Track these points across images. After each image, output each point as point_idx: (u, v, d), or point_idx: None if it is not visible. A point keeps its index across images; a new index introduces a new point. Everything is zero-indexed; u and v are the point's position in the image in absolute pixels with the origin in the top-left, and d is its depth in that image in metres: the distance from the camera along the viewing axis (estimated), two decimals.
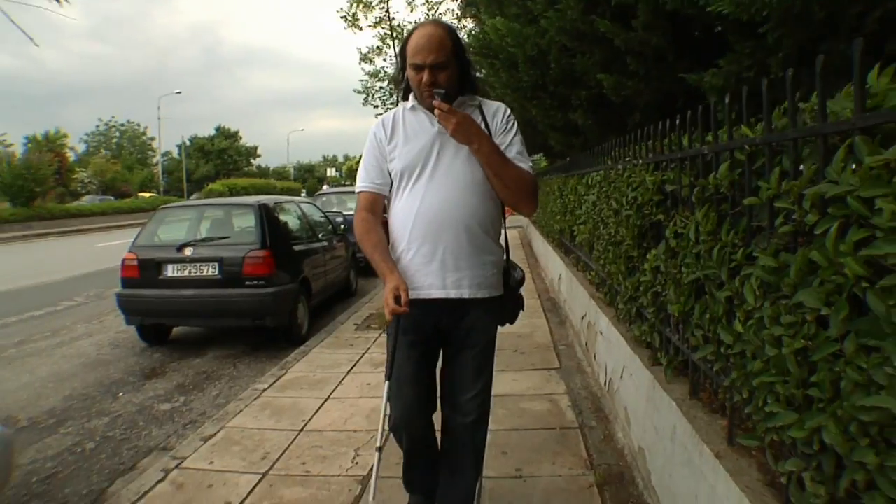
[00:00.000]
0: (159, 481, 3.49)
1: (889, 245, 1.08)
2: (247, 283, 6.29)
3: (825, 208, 1.36)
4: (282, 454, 3.76)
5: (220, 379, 5.87)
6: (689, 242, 2.37)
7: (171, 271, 6.47)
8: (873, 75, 1.36)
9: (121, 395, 5.50)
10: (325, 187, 49.11)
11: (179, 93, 57.69)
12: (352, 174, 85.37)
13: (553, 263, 8.61)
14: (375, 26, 27.21)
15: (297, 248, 7.30)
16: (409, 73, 2.30)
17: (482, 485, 2.91)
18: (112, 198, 46.43)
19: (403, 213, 2.36)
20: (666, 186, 2.85)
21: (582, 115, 6.58)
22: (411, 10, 22.59)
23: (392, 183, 2.42)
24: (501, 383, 4.79)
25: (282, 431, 4.11)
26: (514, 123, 2.42)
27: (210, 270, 6.37)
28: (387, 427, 2.41)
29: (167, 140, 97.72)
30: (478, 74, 8.84)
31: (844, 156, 1.31)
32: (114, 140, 75.35)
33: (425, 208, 2.30)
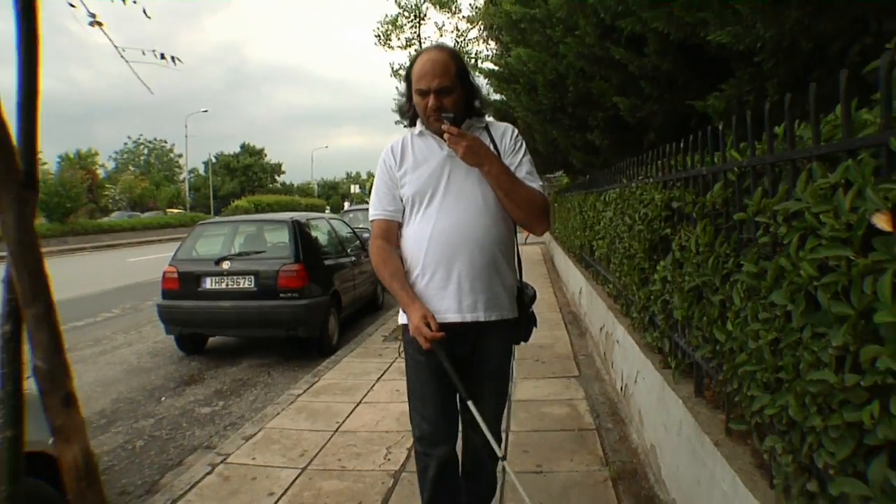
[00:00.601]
0: (207, 474, 3.80)
1: (828, 250, 1.36)
2: (281, 295, 6.63)
3: (791, 222, 1.64)
4: (318, 451, 4.05)
5: (255, 386, 6.20)
6: (690, 254, 2.64)
7: (209, 283, 6.84)
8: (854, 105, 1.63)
9: (163, 399, 5.85)
10: (346, 205, 49.67)
11: (206, 111, 59.14)
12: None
13: (574, 278, 8.86)
14: (406, 47, 27.71)
15: (327, 262, 7.64)
16: (415, 98, 2.31)
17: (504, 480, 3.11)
18: (140, 214, 47.47)
19: (416, 238, 2.35)
20: (673, 203, 3.12)
21: (599, 135, 6.87)
22: (440, 35, 22.94)
23: (404, 209, 2.41)
24: (524, 390, 5.06)
25: (318, 432, 4.41)
26: (522, 144, 2.42)
27: (246, 283, 6.73)
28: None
29: (193, 157, 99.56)
30: (498, 97, 9.24)
31: (806, 178, 1.59)
32: (142, 157, 77.09)
33: (438, 232, 2.30)
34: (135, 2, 2.23)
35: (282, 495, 3.48)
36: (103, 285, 14.62)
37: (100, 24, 1.76)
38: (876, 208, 1.20)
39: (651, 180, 3.63)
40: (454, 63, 2.29)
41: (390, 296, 10.02)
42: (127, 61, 1.93)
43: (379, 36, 26.95)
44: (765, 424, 1.89)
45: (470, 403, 2.23)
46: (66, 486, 1.59)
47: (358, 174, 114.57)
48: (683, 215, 2.95)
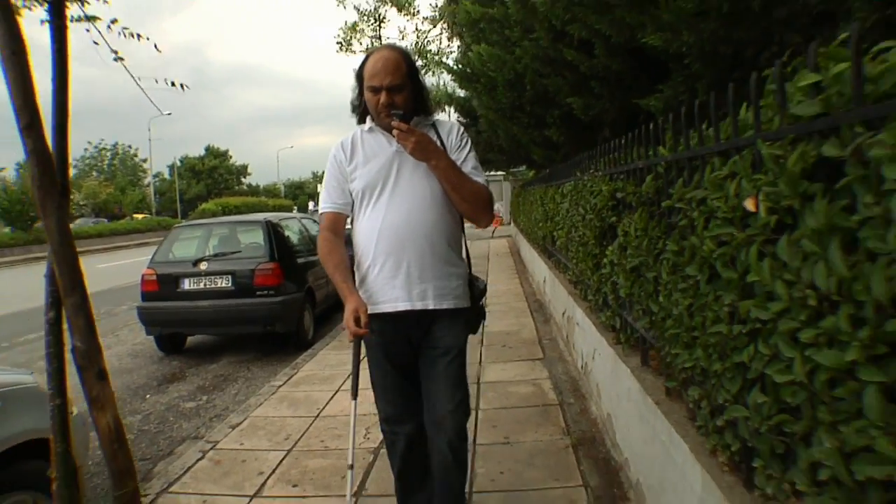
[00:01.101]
0: (199, 459, 4.07)
1: (720, 228, 1.71)
2: (258, 293, 6.89)
3: (699, 207, 1.99)
4: (302, 435, 4.34)
5: (236, 380, 6.45)
6: (630, 238, 3.00)
7: (187, 284, 7.06)
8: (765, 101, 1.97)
9: (148, 396, 6.07)
10: (311, 205, 49.51)
11: (169, 114, 58.16)
12: None
13: (538, 268, 9.24)
14: (367, 51, 27.65)
15: (300, 260, 7.90)
16: (367, 95, 2.38)
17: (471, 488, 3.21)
18: (105, 220, 46.85)
19: (367, 230, 2.43)
20: (617, 194, 3.48)
21: (556, 132, 7.25)
22: (402, 38, 23.06)
23: (353, 202, 2.49)
24: (491, 372, 5.41)
25: (300, 418, 4.69)
26: (468, 140, 2.52)
27: (224, 283, 6.97)
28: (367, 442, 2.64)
29: (157, 161, 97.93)
30: (462, 94, 9.59)
31: (710, 171, 1.94)
32: (105, 163, 75.87)
33: (388, 224, 2.37)
34: (106, 1, 2.43)
35: (271, 473, 3.76)
36: None
37: (121, 58, 2.02)
38: (747, 194, 1.55)
39: (599, 173, 3.99)
40: (405, 62, 2.38)
41: None
42: (142, 89, 2.17)
43: (341, 43, 26.99)
44: (688, 378, 2.25)
45: (352, 403, 2.43)
46: (102, 448, 1.87)
47: (324, 174, 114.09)
48: (626, 204, 3.31)
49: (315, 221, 10.09)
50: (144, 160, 69.06)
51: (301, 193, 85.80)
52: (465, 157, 2.45)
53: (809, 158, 1.31)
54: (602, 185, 3.77)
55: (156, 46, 2.09)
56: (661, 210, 2.61)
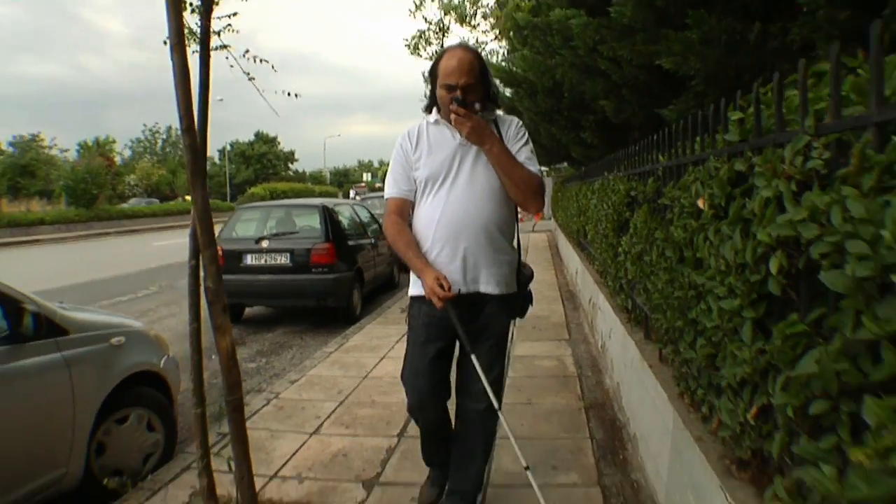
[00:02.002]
0: (264, 405, 4.78)
1: (685, 220, 2.30)
2: (313, 269, 7.63)
3: (678, 203, 2.58)
4: (352, 391, 5.03)
5: (291, 347, 7.20)
6: (637, 229, 3.58)
7: (250, 260, 7.84)
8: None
9: (213, 357, 6.82)
10: (352, 192, 50.44)
11: (221, 100, 59.93)
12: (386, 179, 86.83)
13: (572, 260, 9.80)
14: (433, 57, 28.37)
15: (351, 242, 8.61)
16: (440, 92, 2.50)
17: (490, 472, 3.33)
18: (157, 200, 48.67)
19: (427, 218, 2.56)
20: (631, 192, 4.05)
21: (590, 134, 7.80)
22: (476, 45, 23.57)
23: (416, 189, 2.63)
24: (521, 349, 6.02)
25: (350, 378, 5.38)
26: (524, 133, 2.64)
27: (283, 259, 7.72)
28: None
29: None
30: (507, 93, 10.25)
31: (689, 174, 2.52)
32: (158, 145, 78.42)
33: (448, 213, 2.51)
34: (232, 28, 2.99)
35: (326, 418, 4.45)
36: (136, 266, 15.66)
37: (252, 78, 2.67)
38: (699, 195, 2.14)
39: (620, 174, 4.56)
40: (478, 62, 2.50)
41: (405, 276, 11.11)
42: (266, 100, 2.83)
43: (409, 47, 27.82)
44: (667, 338, 2.84)
45: (473, 357, 2.47)
46: (221, 364, 2.56)
47: (370, 162, 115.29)
48: (637, 201, 3.88)
49: (366, 207, 10.82)
50: None
51: (346, 181, 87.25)
52: (519, 148, 2.57)
53: (733, 171, 1.90)
54: (620, 185, 4.35)
55: (273, 67, 2.71)
56: (658, 206, 3.19)
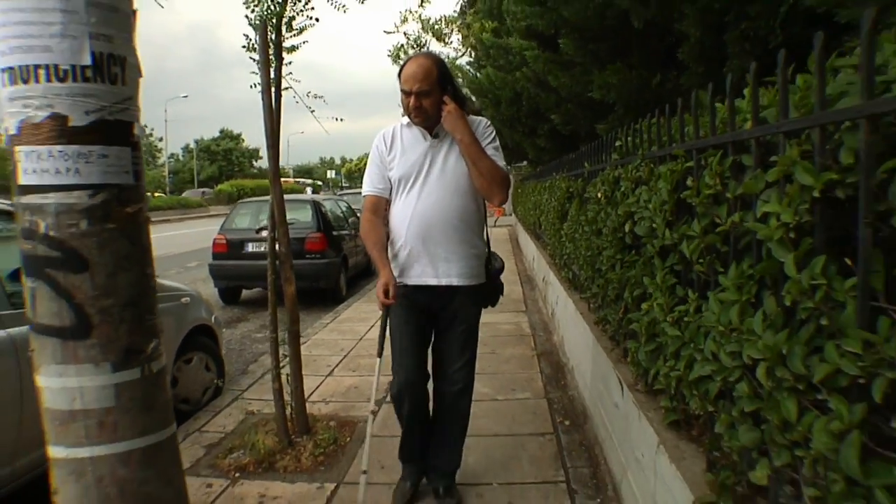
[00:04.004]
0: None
1: (592, 206, 3.62)
2: (307, 256, 8.82)
3: (594, 196, 3.89)
4: (352, 349, 6.26)
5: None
6: (571, 217, 4.90)
7: (250, 247, 8.99)
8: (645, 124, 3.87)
9: (224, 330, 7.99)
10: (308, 190, 51.24)
11: (186, 97, 60.22)
12: (350, 176, 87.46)
13: (529, 249, 11.16)
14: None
15: (336, 233, 9.81)
16: (401, 96, 2.65)
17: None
18: None
19: (401, 214, 2.71)
20: (570, 189, 5.38)
21: (544, 140, 9.16)
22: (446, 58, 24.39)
23: (391, 188, 2.77)
24: (485, 317, 7.09)
25: (348, 340, 6.62)
26: (492, 132, 2.76)
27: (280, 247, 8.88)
28: (385, 396, 3.18)
29: (170, 141, 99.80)
30: (474, 101, 11.45)
31: (599, 179, 3.84)
32: None
33: (419, 210, 2.66)
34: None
35: (335, 366, 5.70)
36: (163, 251, 16.53)
37: (313, 110, 3.89)
38: (597, 190, 3.45)
39: (563, 175, 5.90)
40: (436, 69, 2.61)
41: None
42: (319, 121, 4.02)
43: (391, 57, 28.97)
44: (587, 287, 4.16)
45: (378, 361, 2.81)
46: (287, 304, 3.78)
47: (332, 159, 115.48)
48: (573, 195, 5.21)
49: (346, 202, 12.02)
50: (160, 139, 70.92)
51: (309, 178, 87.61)
52: (487, 144, 2.69)
53: (614, 176, 3.21)
54: (563, 183, 5.68)
55: (324, 100, 3.93)
56: (584, 198, 4.52)
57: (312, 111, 3.84)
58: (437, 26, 18.07)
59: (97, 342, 1.31)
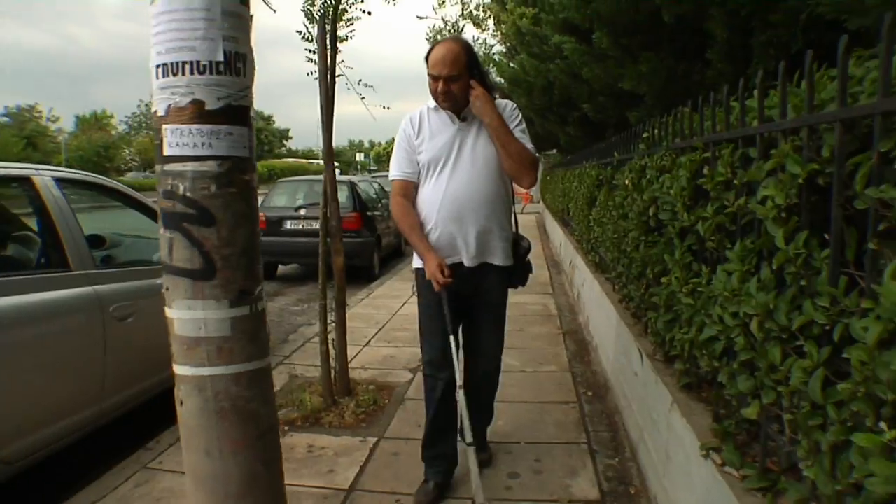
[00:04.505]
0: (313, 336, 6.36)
1: (620, 192, 3.90)
2: (343, 234, 9.17)
3: (621, 185, 4.17)
4: (387, 322, 6.63)
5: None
6: (601, 203, 5.18)
7: (289, 225, 9.40)
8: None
9: None
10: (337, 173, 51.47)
11: None
12: (378, 160, 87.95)
13: (556, 234, 11.43)
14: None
15: (370, 213, 10.17)
16: (429, 80, 2.66)
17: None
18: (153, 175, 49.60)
19: (431, 198, 2.72)
20: (599, 176, 5.65)
21: (574, 128, 9.39)
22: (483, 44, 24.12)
23: (419, 172, 2.76)
24: (512, 298, 7.41)
25: (383, 314, 6.99)
26: (518, 115, 2.78)
27: (317, 225, 9.26)
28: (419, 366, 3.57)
29: None
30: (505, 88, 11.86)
31: (628, 168, 4.11)
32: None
33: (450, 193, 2.68)
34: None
35: (372, 337, 6.06)
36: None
37: (363, 97, 4.22)
38: (625, 178, 3.74)
39: (592, 163, 6.16)
40: (465, 54, 2.62)
41: (410, 247, 12.80)
42: (368, 108, 4.39)
43: (428, 40, 29.04)
44: (613, 268, 4.44)
45: (452, 339, 2.66)
46: (335, 274, 4.12)
47: (361, 142, 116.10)
48: (602, 182, 5.48)
49: (380, 184, 12.38)
50: None
51: (339, 161, 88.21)
52: (514, 126, 2.71)
53: (641, 165, 3.48)
54: (592, 171, 5.95)
55: (373, 88, 4.26)
56: (612, 185, 4.79)
57: (363, 98, 4.16)
58: (475, 12, 18.29)
59: (219, 283, 1.64)
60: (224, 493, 1.75)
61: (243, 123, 1.66)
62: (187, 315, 1.66)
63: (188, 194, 1.60)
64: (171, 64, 1.56)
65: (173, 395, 1.76)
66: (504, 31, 15.63)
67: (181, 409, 1.74)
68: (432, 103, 2.77)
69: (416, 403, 4.08)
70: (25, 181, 3.36)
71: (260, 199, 10.57)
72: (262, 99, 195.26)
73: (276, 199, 9.98)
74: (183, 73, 1.56)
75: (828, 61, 1.64)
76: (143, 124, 78.11)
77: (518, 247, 2.95)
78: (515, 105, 2.83)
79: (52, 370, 3.11)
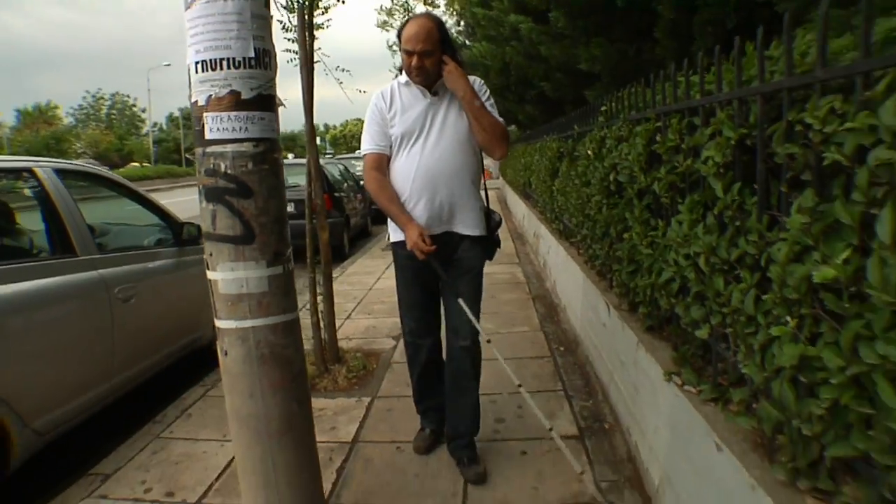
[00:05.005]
0: (303, 306, 6.64)
1: (582, 161, 4.27)
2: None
3: (578, 153, 4.54)
4: (364, 296, 6.93)
5: (300, 277, 9.01)
6: (563, 173, 5.55)
7: None
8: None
9: None
10: (290, 156, 50.96)
11: (169, 65, 59.68)
12: (335, 142, 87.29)
13: (519, 208, 11.82)
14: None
15: (337, 195, 10.40)
16: (402, 55, 2.72)
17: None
18: (107, 168, 48.68)
19: (405, 170, 2.78)
20: (560, 149, 6.02)
21: (532, 107, 9.75)
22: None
23: (392, 145, 2.81)
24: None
25: (359, 290, 7.29)
26: (487, 90, 2.86)
27: (289, 208, 9.48)
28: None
29: (153, 111, 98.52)
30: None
31: (588, 139, 4.48)
32: (103, 112, 76.76)
33: (423, 165, 2.73)
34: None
35: (352, 310, 6.37)
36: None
37: (341, 82, 4.48)
38: (587, 148, 4.10)
39: (553, 136, 6.53)
40: (437, 30, 2.67)
41: (376, 226, 13.00)
42: (345, 91, 4.61)
43: (378, 25, 28.68)
44: (576, 232, 4.82)
45: (461, 301, 2.74)
46: (321, 247, 4.41)
47: (317, 126, 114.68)
48: (563, 154, 5.86)
49: (344, 166, 12.57)
50: (143, 110, 70.33)
51: (294, 146, 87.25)
52: (484, 100, 2.78)
53: (600, 137, 3.84)
54: (554, 144, 6.32)
55: (349, 73, 4.52)
56: (574, 156, 5.15)
57: (341, 83, 4.42)
58: None
59: (257, 246, 1.94)
60: (266, 432, 2.06)
61: (271, 109, 1.96)
62: (231, 276, 1.96)
63: (229, 171, 1.89)
64: (210, 60, 1.85)
65: (168, 378, 2.04)
66: (457, 9, 15.87)
67: (225, 359, 2.04)
68: (403, 78, 2.84)
69: (402, 366, 4.38)
70: (28, 172, 3.56)
71: (173, 196, 10.70)
72: None
73: None
74: (221, 69, 1.85)
75: (771, 34, 1.97)
76: (91, 116, 76.12)
77: (489, 220, 2.99)
78: (483, 81, 2.91)
79: (72, 349, 3.35)
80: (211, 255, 1.99)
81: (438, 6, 17.20)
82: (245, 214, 1.92)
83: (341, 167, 12.06)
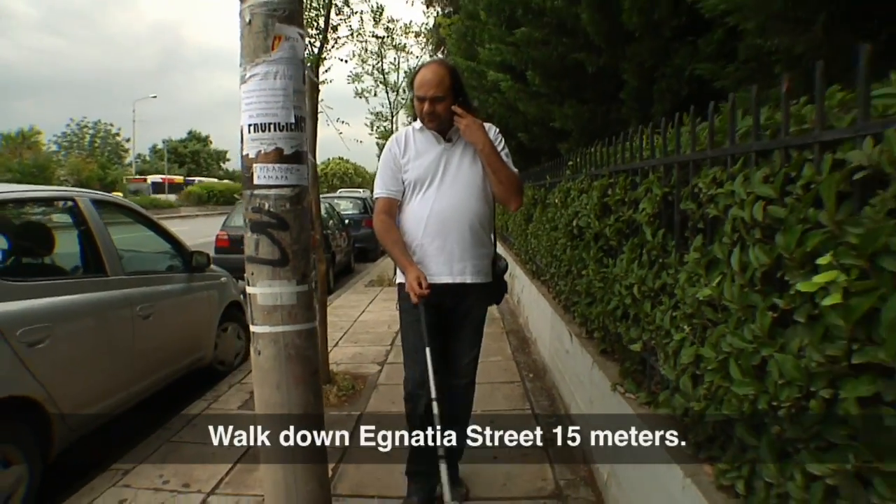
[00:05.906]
0: None
1: (551, 209, 4.87)
2: None
3: (548, 201, 5.15)
4: (350, 327, 7.42)
5: None
6: (537, 218, 6.16)
7: None
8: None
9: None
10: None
11: (155, 97, 60.34)
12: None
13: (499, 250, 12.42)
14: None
15: (326, 232, 10.94)
16: (415, 102, 2.76)
17: None
18: None
19: (417, 215, 2.80)
20: (535, 196, 6.64)
21: (511, 155, 10.44)
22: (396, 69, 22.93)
23: (404, 191, 2.83)
24: None
25: (345, 321, 7.77)
26: (502, 138, 2.89)
27: None
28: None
29: (136, 142, 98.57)
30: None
31: (557, 190, 5.09)
32: (86, 140, 76.60)
33: (436, 211, 2.75)
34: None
35: (339, 339, 6.85)
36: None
37: (341, 133, 5.04)
38: (555, 197, 4.70)
39: (528, 184, 7.18)
40: (449, 77, 2.71)
41: (358, 263, 13.54)
42: (337, 128, 5.20)
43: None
44: (545, 269, 5.41)
45: (428, 350, 2.65)
46: (318, 279, 4.93)
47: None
48: (536, 201, 6.47)
49: (331, 205, 13.13)
50: (128, 140, 70.58)
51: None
52: (500, 150, 2.79)
53: (567, 188, 4.45)
54: (528, 191, 6.94)
55: (331, 108, 5.12)
56: (545, 204, 5.77)
57: (340, 134, 5.01)
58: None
59: (290, 269, 2.47)
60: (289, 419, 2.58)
61: (304, 163, 2.52)
62: (268, 290, 2.49)
63: (271, 209, 2.44)
64: (261, 124, 2.41)
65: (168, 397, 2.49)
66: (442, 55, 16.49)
67: (258, 357, 2.56)
68: (418, 124, 2.86)
69: (388, 388, 4.92)
70: (71, 201, 4.08)
71: (192, 222, 11.22)
72: (198, 119, 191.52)
73: (236, 219, 10.64)
74: (269, 130, 2.41)
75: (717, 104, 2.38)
76: (75, 144, 75.95)
77: (496, 266, 2.99)
78: (498, 129, 2.93)
79: (101, 357, 3.84)
80: (252, 273, 2.52)
81: (411, 52, 17.59)
82: (282, 243, 2.46)
83: (326, 205, 12.62)
